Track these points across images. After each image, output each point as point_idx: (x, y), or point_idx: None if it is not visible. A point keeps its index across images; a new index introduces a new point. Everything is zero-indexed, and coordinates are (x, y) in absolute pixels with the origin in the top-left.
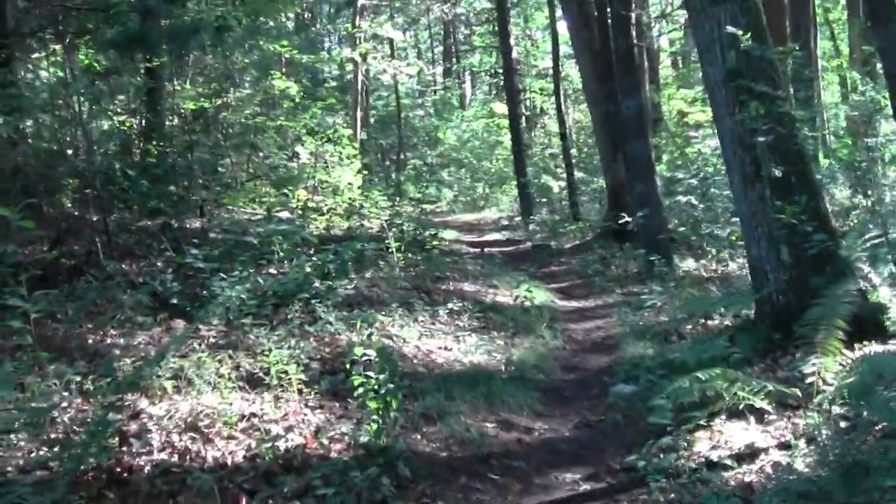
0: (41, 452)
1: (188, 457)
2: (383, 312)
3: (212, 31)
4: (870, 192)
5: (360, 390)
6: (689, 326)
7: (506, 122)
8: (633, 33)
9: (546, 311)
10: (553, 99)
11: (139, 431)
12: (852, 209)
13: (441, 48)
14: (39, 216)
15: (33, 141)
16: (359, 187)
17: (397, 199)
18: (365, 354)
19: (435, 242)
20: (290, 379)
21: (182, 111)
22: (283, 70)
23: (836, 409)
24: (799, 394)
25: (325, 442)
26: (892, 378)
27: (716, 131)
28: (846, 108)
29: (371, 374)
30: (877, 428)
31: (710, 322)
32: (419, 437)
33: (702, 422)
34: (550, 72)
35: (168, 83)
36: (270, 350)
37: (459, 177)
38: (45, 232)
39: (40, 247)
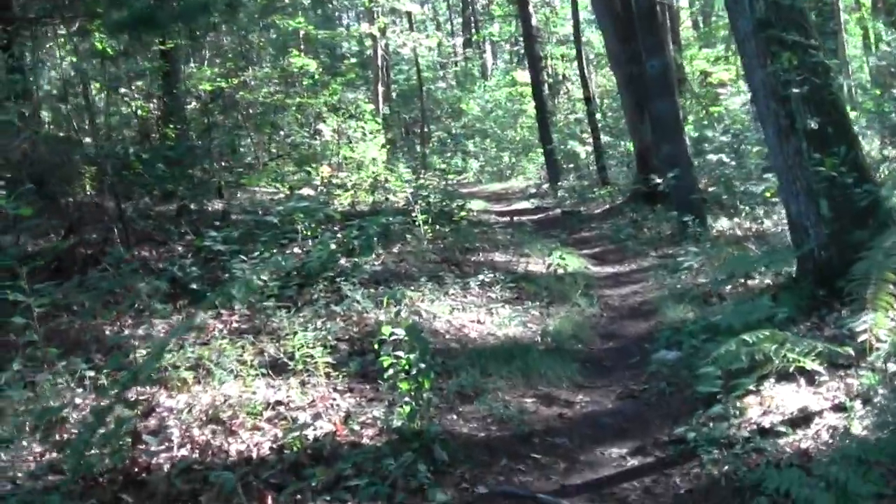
0: (53, 455)
1: (210, 452)
2: (412, 287)
3: (223, 8)
4: None
5: (390, 372)
6: (729, 287)
7: (528, 91)
8: None
9: (580, 278)
10: (575, 64)
11: (157, 427)
12: (882, 161)
13: (460, 19)
14: (54, 206)
15: (48, 128)
16: (383, 162)
17: (423, 171)
18: (393, 334)
19: (463, 213)
20: (315, 363)
21: (200, 93)
22: (301, 48)
23: (892, 367)
24: (851, 352)
25: (356, 428)
26: None
27: (744, 87)
28: (874, 60)
29: (401, 353)
30: None
31: (750, 282)
32: (455, 417)
33: (751, 386)
34: (571, 38)
35: (185, 66)
36: (295, 333)
37: (485, 147)
38: (59, 221)
39: (56, 237)
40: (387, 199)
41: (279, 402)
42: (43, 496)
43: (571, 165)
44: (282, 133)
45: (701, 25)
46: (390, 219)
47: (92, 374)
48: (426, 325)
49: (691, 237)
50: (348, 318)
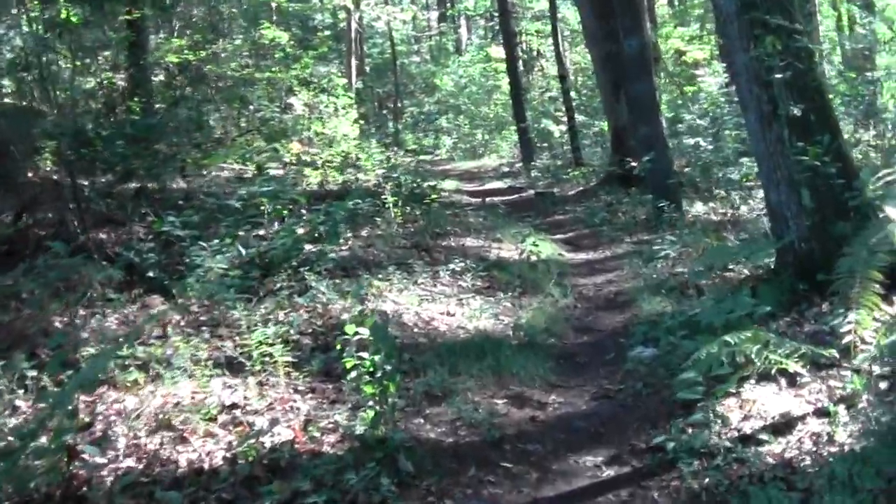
0: None
1: (158, 463)
2: (379, 276)
3: None
4: (874, 126)
5: (353, 374)
6: (707, 280)
7: (503, 67)
8: None
9: (554, 266)
10: (550, 41)
11: (103, 433)
12: (856, 145)
13: None
14: (9, 183)
15: (9, 100)
16: (355, 138)
17: (395, 149)
18: (357, 333)
19: (434, 196)
20: (275, 362)
21: (168, 65)
22: (273, 19)
23: (878, 370)
24: (836, 354)
25: (317, 435)
26: None
27: (719, 68)
28: (849, 42)
29: (365, 355)
30: None
31: (728, 273)
32: (422, 421)
33: (731, 389)
34: (547, 13)
35: (153, 37)
36: (255, 328)
37: (458, 123)
38: (14, 200)
39: (8, 218)
40: (357, 178)
41: (235, 405)
42: None
43: (545, 144)
44: (251, 107)
45: (676, 3)
46: (359, 202)
47: (34, 373)
48: (394, 318)
49: (667, 222)
50: (312, 309)
